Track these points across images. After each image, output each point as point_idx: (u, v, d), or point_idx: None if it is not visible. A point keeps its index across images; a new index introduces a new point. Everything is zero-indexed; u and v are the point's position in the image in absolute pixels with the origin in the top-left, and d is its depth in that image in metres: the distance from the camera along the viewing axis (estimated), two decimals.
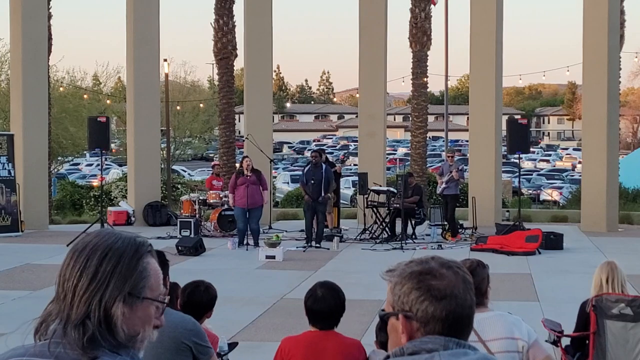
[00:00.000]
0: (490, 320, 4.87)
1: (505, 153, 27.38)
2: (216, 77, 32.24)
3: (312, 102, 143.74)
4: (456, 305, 2.42)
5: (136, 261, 2.36)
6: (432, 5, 32.12)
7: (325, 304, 5.58)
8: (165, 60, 30.28)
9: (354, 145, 67.41)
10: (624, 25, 28.69)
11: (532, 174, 53.68)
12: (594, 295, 7.25)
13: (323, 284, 5.76)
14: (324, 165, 20.59)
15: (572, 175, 51.33)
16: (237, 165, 25.45)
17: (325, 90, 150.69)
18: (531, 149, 35.77)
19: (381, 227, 21.62)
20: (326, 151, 27.12)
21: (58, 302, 2.35)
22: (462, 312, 2.43)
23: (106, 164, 47.08)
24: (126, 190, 27.23)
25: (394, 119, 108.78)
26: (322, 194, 20.25)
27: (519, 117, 26.91)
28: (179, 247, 18.84)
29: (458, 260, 2.57)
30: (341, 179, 26.13)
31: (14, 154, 23.41)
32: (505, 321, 4.91)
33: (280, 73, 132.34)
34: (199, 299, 6.16)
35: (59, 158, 39.11)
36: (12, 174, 22.89)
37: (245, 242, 20.12)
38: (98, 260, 2.33)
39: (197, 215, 22.49)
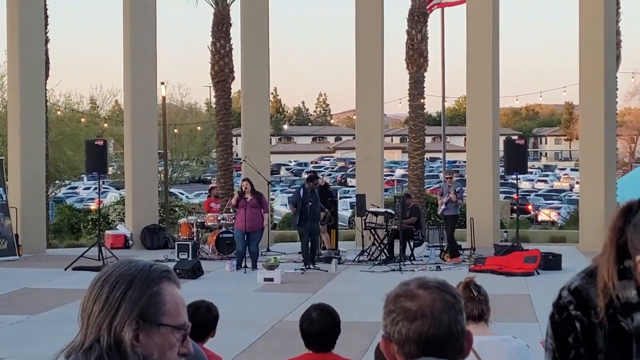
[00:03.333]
0: (494, 344, 4.82)
1: (503, 174, 27.41)
2: (213, 100, 32.29)
3: (310, 124, 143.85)
4: (429, 326, 2.40)
5: (147, 286, 2.37)
6: (429, 22, 32.08)
7: (320, 326, 5.56)
8: (162, 83, 30.35)
9: (352, 167, 67.38)
10: (620, 45, 28.77)
11: (530, 195, 53.68)
12: None
13: (317, 306, 5.75)
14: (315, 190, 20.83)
15: (570, 196, 51.34)
16: (236, 188, 25.44)
17: (323, 112, 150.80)
18: (529, 170, 35.91)
19: (379, 248, 21.60)
20: (322, 173, 27.19)
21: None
22: (437, 333, 2.41)
23: (104, 187, 47.02)
24: (124, 213, 27.20)
25: (392, 140, 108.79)
26: (319, 214, 20.58)
27: (516, 137, 26.95)
28: (177, 270, 18.75)
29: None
30: (339, 200, 26.09)
31: (9, 178, 23.48)
32: (510, 346, 4.86)
33: (278, 95, 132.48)
34: (201, 320, 6.13)
35: (57, 182, 39.11)
36: (4, 199, 22.86)
37: (243, 264, 20.09)
38: (110, 288, 2.36)
39: (195, 238, 22.46)
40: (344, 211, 36.64)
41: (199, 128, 52.74)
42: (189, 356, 2.47)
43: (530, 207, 43.74)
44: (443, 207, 21.76)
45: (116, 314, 2.33)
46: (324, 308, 5.73)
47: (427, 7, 31.37)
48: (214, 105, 34.27)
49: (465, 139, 27.39)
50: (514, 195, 33.34)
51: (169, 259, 21.61)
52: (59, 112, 40.63)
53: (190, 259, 20.84)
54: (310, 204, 20.09)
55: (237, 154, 44.07)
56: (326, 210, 22.36)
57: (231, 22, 31.01)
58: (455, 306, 2.46)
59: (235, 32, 29.60)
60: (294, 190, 28.62)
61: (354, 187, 35.03)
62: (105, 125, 47.47)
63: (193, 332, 6.04)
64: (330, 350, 5.63)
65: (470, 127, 25.29)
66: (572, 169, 79.92)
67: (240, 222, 20.08)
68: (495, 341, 4.85)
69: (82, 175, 45.27)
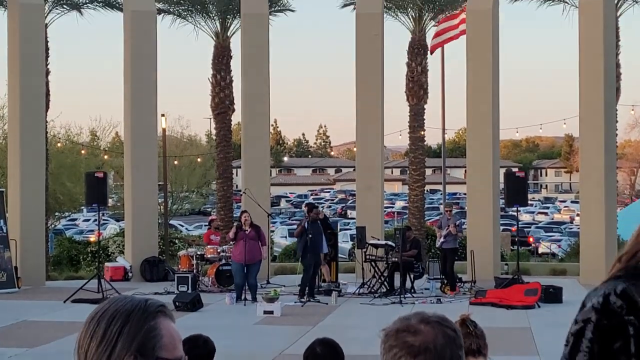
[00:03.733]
0: None
1: (503, 206, 27.39)
2: (214, 132, 32.34)
3: (310, 156, 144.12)
4: None
5: (144, 320, 2.35)
6: (429, 55, 32.16)
7: None
8: (162, 115, 30.40)
9: (352, 199, 67.35)
10: (619, 78, 28.85)
11: (530, 227, 53.63)
12: None
13: (322, 341, 5.73)
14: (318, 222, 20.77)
15: (571, 228, 51.29)
16: (236, 220, 25.40)
17: (323, 143, 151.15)
18: (529, 202, 35.92)
19: (380, 281, 21.53)
20: (322, 205, 27.24)
21: None
22: None
23: (103, 219, 47.04)
24: (123, 245, 27.16)
25: (392, 172, 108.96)
26: (323, 247, 20.81)
27: (516, 169, 26.97)
28: (177, 303, 18.73)
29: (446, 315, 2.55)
30: (339, 232, 26.07)
31: (9, 210, 23.45)
32: None
33: (278, 127, 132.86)
34: (197, 353, 6.11)
35: (56, 213, 39.06)
36: (5, 231, 22.83)
37: (243, 297, 20.02)
38: (106, 324, 2.35)
39: (194, 271, 22.40)
40: (344, 243, 36.58)
41: (199, 160, 52.81)
42: None
43: (531, 239, 43.75)
44: (442, 239, 21.74)
45: (114, 350, 2.31)
46: (328, 342, 5.71)
47: (430, 48, 31.36)
48: (214, 137, 34.33)
49: (465, 171, 27.41)
50: (512, 228, 33.36)
51: (168, 291, 21.55)
52: (59, 144, 40.68)
53: (189, 291, 20.76)
54: (310, 236, 20.05)
55: (237, 186, 44.11)
56: (329, 248, 22.40)
57: (231, 54, 31.14)
58: (456, 341, 2.45)
59: (236, 64, 29.75)
60: (297, 222, 28.58)
61: (354, 219, 34.99)
62: (106, 157, 47.53)
63: None
64: None
65: (471, 159, 25.30)
66: (572, 201, 79.95)
67: (238, 254, 20.02)
68: None
69: (82, 207, 45.24)
